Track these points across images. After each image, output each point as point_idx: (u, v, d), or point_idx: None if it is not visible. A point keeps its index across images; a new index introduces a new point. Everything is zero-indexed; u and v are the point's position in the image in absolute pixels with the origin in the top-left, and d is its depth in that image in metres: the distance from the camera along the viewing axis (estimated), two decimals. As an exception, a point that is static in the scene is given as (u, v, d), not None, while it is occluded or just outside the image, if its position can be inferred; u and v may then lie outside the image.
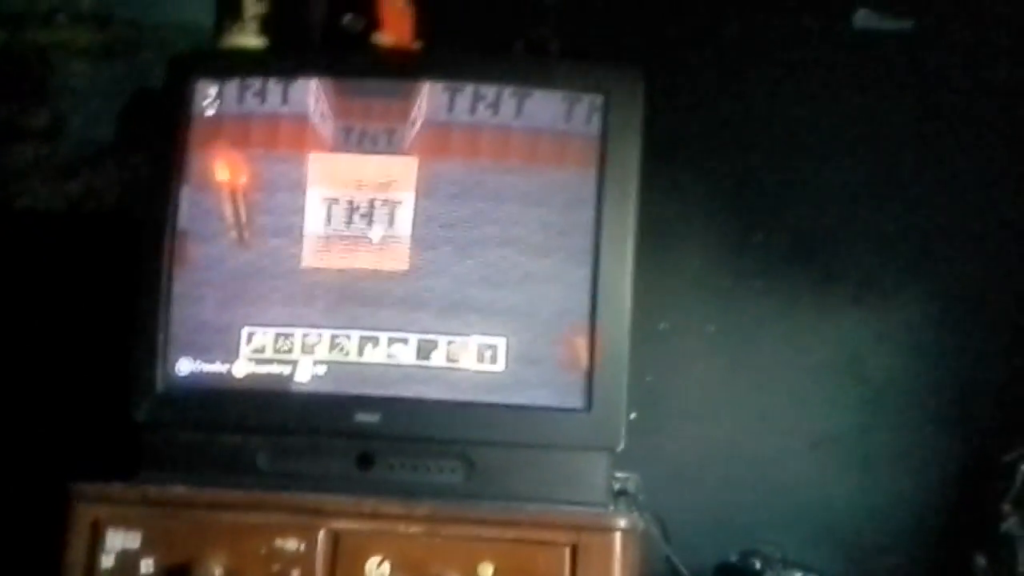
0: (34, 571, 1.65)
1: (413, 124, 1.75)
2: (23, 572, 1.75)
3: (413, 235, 1.72)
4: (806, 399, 2.12)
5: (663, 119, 1.84)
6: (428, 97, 1.75)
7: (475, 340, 1.69)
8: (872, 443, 2.08)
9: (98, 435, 1.93)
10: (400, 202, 1.73)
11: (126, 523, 1.61)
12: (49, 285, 2.25)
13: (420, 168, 1.74)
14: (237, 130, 1.79)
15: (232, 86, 1.79)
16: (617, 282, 1.67)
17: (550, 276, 1.69)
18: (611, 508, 1.64)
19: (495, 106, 1.74)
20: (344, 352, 1.71)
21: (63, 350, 2.22)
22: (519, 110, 1.74)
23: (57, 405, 2.18)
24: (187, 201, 1.76)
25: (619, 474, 1.71)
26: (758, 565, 1.75)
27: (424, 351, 1.69)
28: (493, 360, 1.68)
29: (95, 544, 1.61)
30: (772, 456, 2.08)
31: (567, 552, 1.54)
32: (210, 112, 1.78)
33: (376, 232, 1.73)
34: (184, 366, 1.74)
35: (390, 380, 1.69)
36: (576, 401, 1.65)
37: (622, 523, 1.56)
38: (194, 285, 1.75)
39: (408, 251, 1.72)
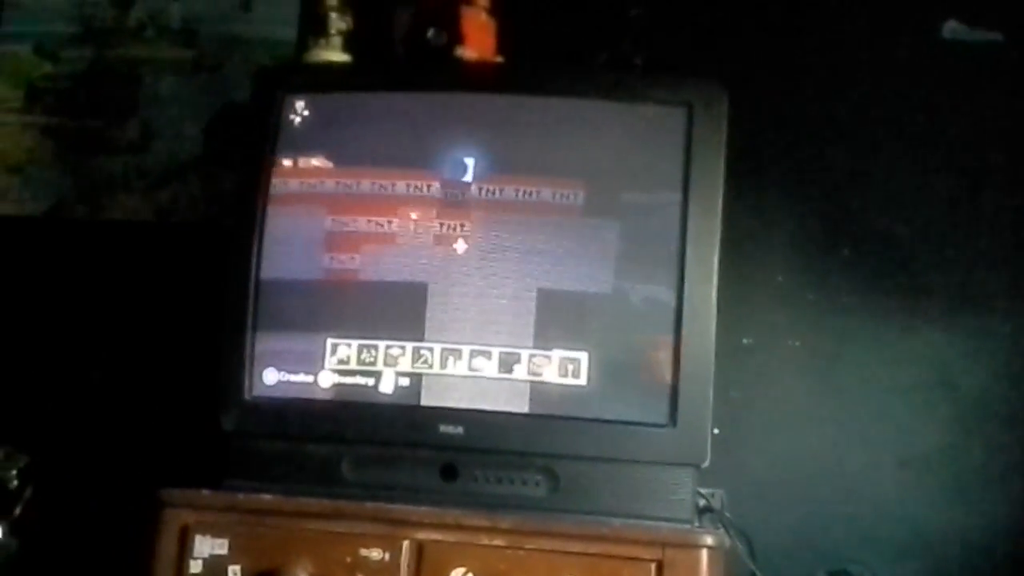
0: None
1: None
2: (114, 576, 1.78)
3: (497, 243, 1.73)
4: (895, 417, 2.07)
5: (747, 131, 1.83)
6: (510, 111, 1.77)
7: (558, 354, 1.69)
8: (964, 464, 2.04)
9: (187, 443, 1.96)
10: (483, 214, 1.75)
11: (214, 530, 1.64)
12: (138, 294, 2.30)
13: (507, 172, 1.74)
14: (323, 143, 1.81)
15: (318, 100, 1.82)
16: (702, 296, 1.66)
17: (634, 291, 1.69)
18: (696, 524, 1.63)
19: (578, 120, 1.75)
20: (427, 364, 1.72)
21: (152, 359, 2.26)
22: (602, 124, 1.75)
23: (147, 413, 2.23)
24: (274, 213, 1.79)
25: (704, 490, 1.69)
26: (846, 585, 1.73)
27: (506, 364, 1.70)
28: (576, 374, 1.68)
29: (184, 550, 1.63)
30: (859, 474, 2.04)
31: (652, 568, 1.52)
32: (297, 125, 1.81)
33: (460, 245, 1.74)
34: (270, 376, 1.76)
35: (473, 393, 1.70)
36: (660, 416, 1.64)
37: (708, 540, 1.55)
38: (280, 297, 1.78)
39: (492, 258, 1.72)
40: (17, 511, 2.12)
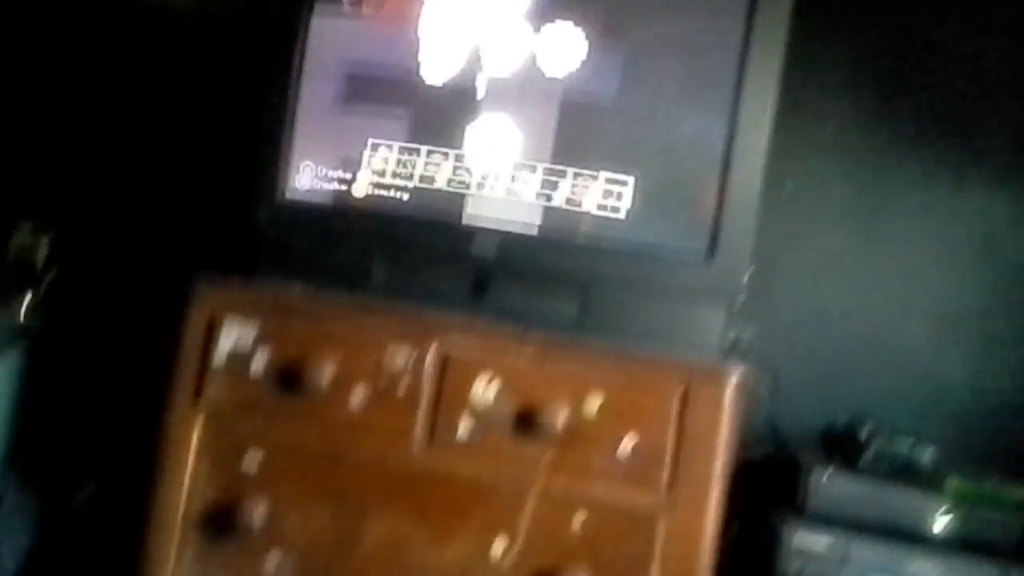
0: (154, 360, 1.69)
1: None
2: (145, 361, 1.79)
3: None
4: (932, 274, 2.06)
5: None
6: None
7: (603, 176, 1.66)
8: (995, 327, 2.03)
9: (219, 235, 1.95)
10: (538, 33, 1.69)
11: (242, 318, 1.65)
12: (177, 83, 2.26)
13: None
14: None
15: None
16: (756, 131, 1.61)
17: (689, 120, 1.65)
18: (724, 359, 1.62)
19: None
20: (466, 179, 1.70)
21: (191, 145, 2.23)
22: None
23: (181, 201, 2.22)
24: (320, 11, 1.74)
25: (733, 326, 1.68)
26: (865, 433, 1.73)
27: (548, 184, 1.67)
28: (619, 199, 1.65)
29: (211, 337, 1.65)
30: (890, 327, 2.04)
31: (677, 396, 1.54)
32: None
33: (512, 59, 1.68)
34: (307, 175, 1.74)
35: (511, 211, 1.68)
36: (700, 247, 1.62)
37: (734, 374, 1.55)
38: (322, 96, 1.75)
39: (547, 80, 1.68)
40: (43, 285, 2.15)
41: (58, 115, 2.29)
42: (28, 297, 2.13)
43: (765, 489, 1.77)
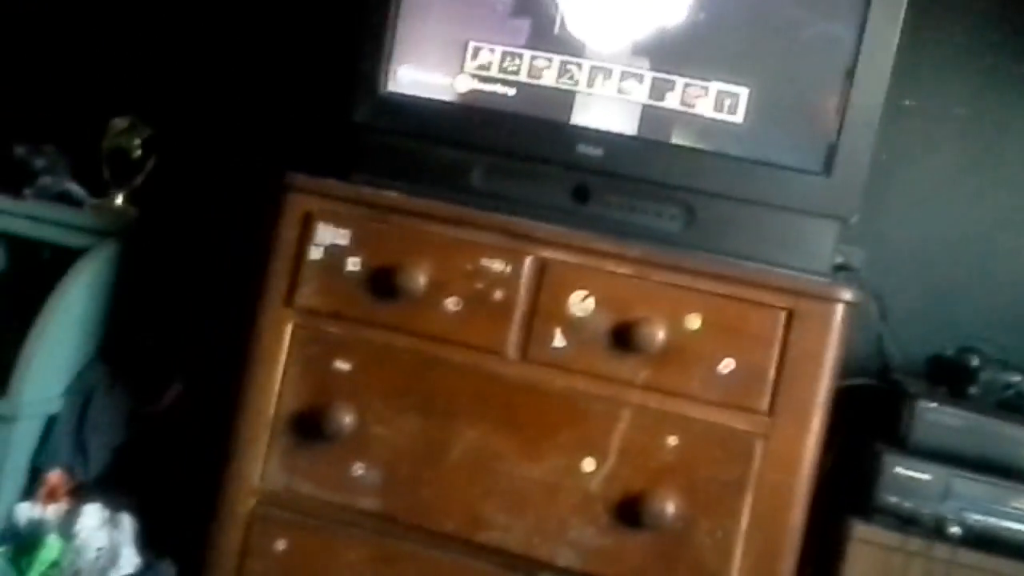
0: (247, 259, 1.68)
1: None
2: (238, 259, 1.78)
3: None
4: (1051, 201, 1.96)
5: None
6: None
7: (715, 86, 1.58)
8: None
9: (316, 132, 1.92)
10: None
11: (337, 219, 1.62)
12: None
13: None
14: None
15: None
16: (883, 42, 1.53)
17: (811, 28, 1.56)
18: (833, 280, 1.56)
19: None
20: (573, 80, 1.63)
21: (288, 39, 2.19)
22: None
23: (277, 97, 2.18)
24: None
25: (843, 247, 1.61)
26: (975, 362, 1.66)
27: (658, 90, 1.60)
28: (732, 110, 1.58)
29: (305, 236, 1.63)
30: (1007, 254, 1.94)
31: (782, 316, 1.48)
32: None
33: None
34: (407, 73, 1.69)
35: (618, 115, 1.62)
36: (815, 163, 1.55)
37: (845, 295, 1.49)
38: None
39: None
40: (138, 180, 2.15)
41: (153, 10, 2.27)
42: (123, 190, 2.15)
43: (867, 417, 1.72)
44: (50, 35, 2.30)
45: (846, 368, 1.62)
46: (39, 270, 1.96)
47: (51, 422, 1.90)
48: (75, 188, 2.11)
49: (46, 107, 2.26)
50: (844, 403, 1.63)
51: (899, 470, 1.60)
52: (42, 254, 2.00)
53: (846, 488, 1.66)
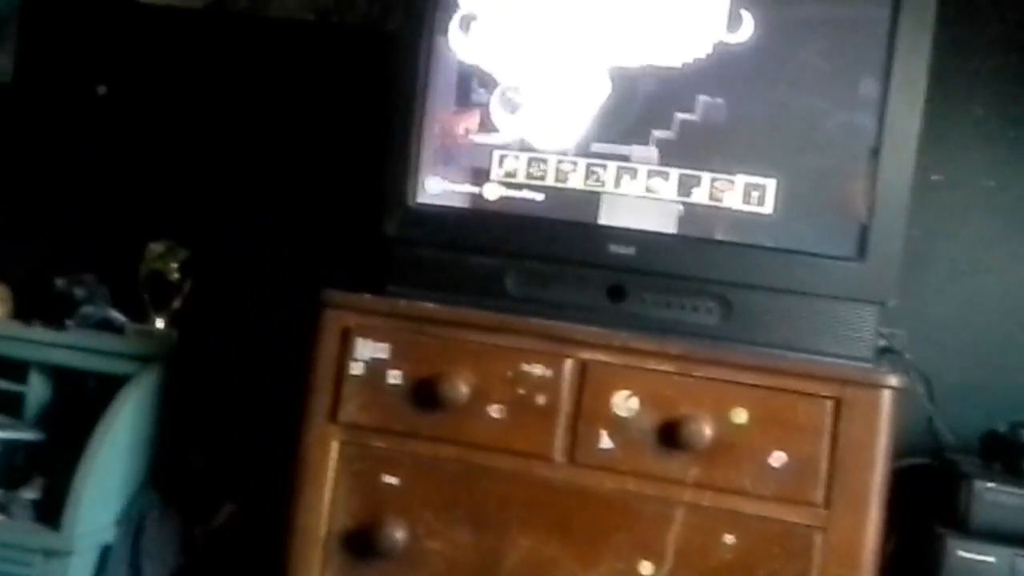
0: (290, 376, 1.69)
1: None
2: (280, 377, 1.79)
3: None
4: (1089, 268, 1.95)
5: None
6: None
7: (742, 179, 1.59)
8: None
9: (350, 247, 1.94)
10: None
11: (375, 333, 1.63)
12: (302, 94, 2.26)
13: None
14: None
15: None
16: (905, 125, 1.54)
17: (833, 117, 1.57)
18: (877, 365, 1.55)
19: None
20: (599, 181, 1.65)
21: (316, 160, 2.24)
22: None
23: (310, 215, 2.22)
24: (444, 15, 1.70)
25: (884, 330, 1.60)
26: (1027, 438, 1.64)
27: (685, 187, 1.61)
28: (761, 202, 1.59)
29: (345, 351, 1.64)
30: (1048, 323, 1.93)
31: (829, 405, 1.47)
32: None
33: (640, 59, 1.63)
34: (435, 184, 1.72)
35: (647, 213, 1.63)
36: (849, 249, 1.55)
37: (891, 380, 1.48)
38: (447, 106, 1.71)
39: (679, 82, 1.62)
40: (176, 303, 2.18)
41: (188, 135, 2.32)
42: (163, 314, 2.18)
43: (924, 498, 1.69)
44: (83, 164, 2.36)
45: (900, 448, 1.59)
46: (85, 400, 1.99)
47: (105, 551, 1.90)
48: (116, 315, 2.14)
49: (82, 237, 2.31)
50: (901, 485, 1.61)
51: (962, 554, 1.57)
52: (87, 384, 2.03)
53: (910, 572, 1.63)
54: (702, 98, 1.61)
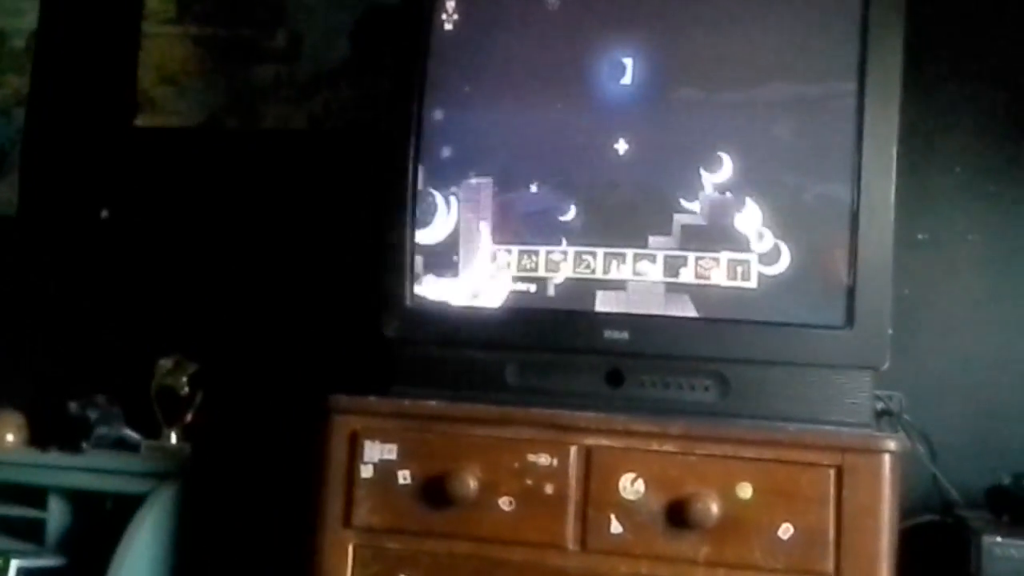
0: (296, 482, 1.71)
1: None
2: (285, 482, 1.82)
3: (659, 143, 1.67)
4: (1080, 313, 1.96)
5: (924, 14, 1.72)
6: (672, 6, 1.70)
7: (725, 255, 1.63)
8: None
9: (352, 350, 1.98)
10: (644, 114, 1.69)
11: (382, 435, 1.66)
12: (298, 202, 2.32)
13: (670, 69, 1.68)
14: (479, 42, 1.77)
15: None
16: (880, 192, 1.57)
17: (806, 188, 1.61)
18: (875, 428, 1.56)
19: (745, 11, 1.67)
20: (589, 269, 1.69)
21: (314, 265, 2.29)
22: (770, 14, 1.66)
23: (311, 320, 2.27)
24: (431, 118, 1.76)
25: (880, 393, 1.62)
26: (1032, 488, 1.64)
27: (672, 268, 1.65)
28: (746, 276, 1.62)
29: (354, 455, 1.66)
30: (1042, 373, 1.95)
31: (832, 474, 1.48)
32: (448, 26, 1.77)
33: (621, 146, 1.68)
34: (431, 283, 1.76)
35: (638, 297, 1.66)
36: (836, 317, 1.57)
37: (891, 444, 1.49)
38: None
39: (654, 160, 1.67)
40: (188, 416, 2.21)
41: (190, 251, 2.38)
42: (175, 427, 2.21)
43: (934, 556, 1.70)
44: (88, 287, 2.41)
45: (907, 508, 1.61)
46: (104, 521, 2.01)
47: (131, 671, 1.91)
48: (130, 434, 2.17)
49: (92, 358, 2.36)
50: (910, 545, 1.62)
51: (977, 610, 1.57)
52: (105, 505, 2.06)
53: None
54: (679, 184, 1.65)
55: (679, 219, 1.65)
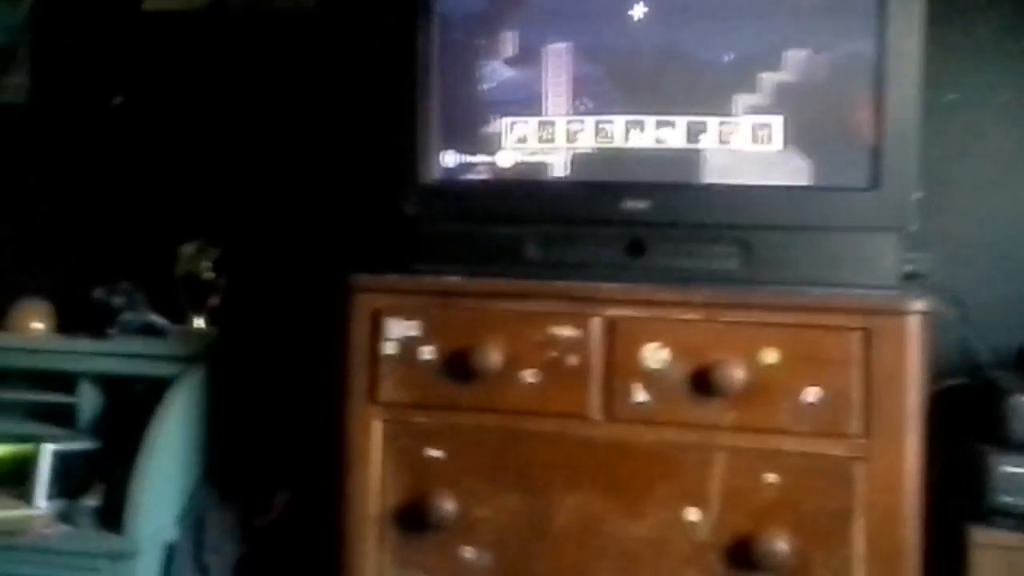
0: (327, 361, 1.72)
1: None
2: (318, 363, 1.82)
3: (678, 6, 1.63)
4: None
5: None
6: None
7: (748, 120, 1.59)
8: None
9: (373, 228, 1.96)
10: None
11: (405, 312, 1.66)
12: (312, 83, 2.28)
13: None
14: None
15: None
16: (905, 49, 1.53)
17: (831, 45, 1.56)
18: (903, 291, 1.54)
19: None
20: (609, 138, 1.66)
21: (331, 144, 2.26)
22: None
23: (332, 199, 2.25)
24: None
25: (909, 256, 1.59)
26: (1063, 349, 1.63)
27: (693, 133, 1.61)
28: (768, 140, 1.58)
29: (376, 332, 1.66)
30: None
31: (858, 337, 1.47)
32: None
33: (639, 10, 1.63)
34: (450, 158, 1.73)
35: (659, 165, 1.63)
36: (862, 179, 1.54)
37: (918, 305, 1.47)
38: (456, 78, 1.72)
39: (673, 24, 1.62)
40: (213, 301, 2.22)
41: (204, 135, 2.35)
42: (201, 312, 2.22)
43: (965, 418, 1.69)
44: (105, 174, 2.40)
45: (939, 370, 1.60)
46: (135, 404, 2.03)
47: (169, 549, 1.95)
48: (156, 319, 2.18)
49: (113, 245, 2.36)
50: (942, 406, 1.61)
51: (1007, 469, 1.57)
52: (135, 389, 2.08)
53: (959, 494, 1.64)
54: (699, 39, 1.61)
55: (701, 82, 1.61)
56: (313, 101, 2.27)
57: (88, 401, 2.12)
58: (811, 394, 1.48)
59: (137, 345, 2.10)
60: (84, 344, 2.12)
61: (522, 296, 1.62)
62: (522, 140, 1.70)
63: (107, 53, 2.41)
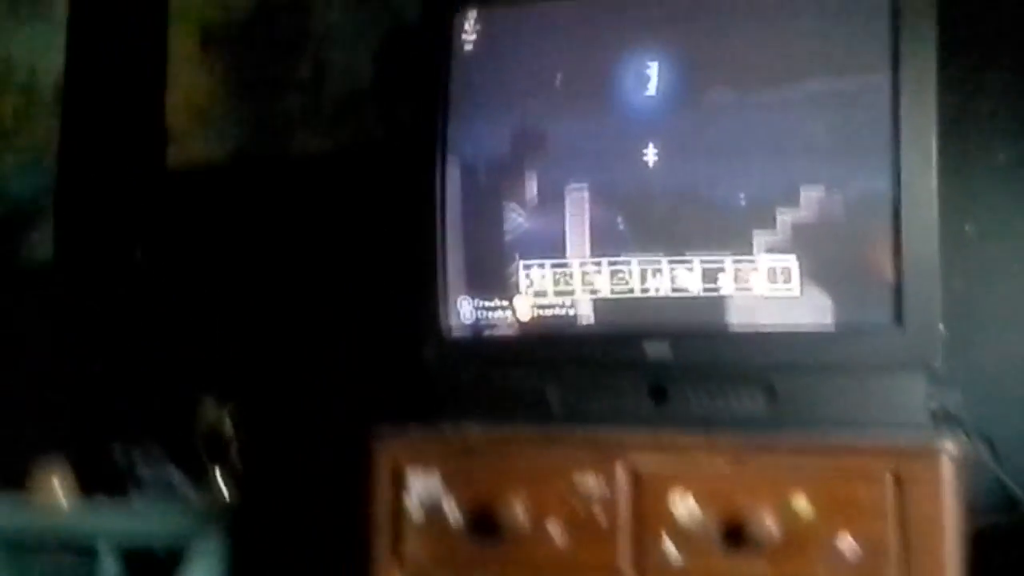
0: (342, 516, 1.69)
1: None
2: (331, 516, 1.80)
3: (691, 148, 1.63)
4: None
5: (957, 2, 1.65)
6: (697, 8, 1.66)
7: (765, 259, 1.58)
8: None
9: (394, 380, 1.95)
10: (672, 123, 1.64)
11: (426, 465, 1.62)
12: (332, 231, 2.30)
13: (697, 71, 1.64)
14: (500, 60, 1.74)
15: (492, 15, 1.74)
16: (921, 184, 1.51)
17: (845, 184, 1.55)
18: (933, 430, 1.51)
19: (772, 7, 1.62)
20: (626, 282, 1.65)
21: (349, 296, 2.26)
22: (801, 11, 1.61)
23: (350, 350, 2.24)
24: (456, 134, 1.73)
25: (936, 392, 1.56)
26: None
27: (709, 276, 1.60)
28: (787, 280, 1.57)
29: (398, 486, 1.63)
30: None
31: (889, 480, 1.42)
32: (470, 44, 1.74)
33: (651, 156, 1.64)
34: (466, 308, 1.72)
35: (678, 308, 1.61)
36: (884, 316, 1.51)
37: (949, 445, 1.43)
38: (469, 227, 1.73)
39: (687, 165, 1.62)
40: (233, 455, 2.19)
41: (224, 291, 2.37)
42: (220, 466, 2.19)
43: (1003, 558, 1.63)
44: (124, 330, 2.41)
45: (974, 511, 1.54)
46: (155, 569, 2.00)
47: None
48: (176, 476, 2.16)
49: (132, 401, 2.35)
50: (979, 549, 1.55)
51: (1053, 613, 1.51)
52: (153, 552, 2.04)
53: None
54: (712, 190, 1.61)
55: (715, 222, 1.60)
56: (332, 249, 2.29)
57: (108, 567, 2.09)
58: (846, 544, 1.42)
59: (158, 510, 2.08)
60: (106, 513, 2.10)
61: (544, 446, 1.59)
62: (541, 288, 1.69)
63: (130, 210, 2.45)
